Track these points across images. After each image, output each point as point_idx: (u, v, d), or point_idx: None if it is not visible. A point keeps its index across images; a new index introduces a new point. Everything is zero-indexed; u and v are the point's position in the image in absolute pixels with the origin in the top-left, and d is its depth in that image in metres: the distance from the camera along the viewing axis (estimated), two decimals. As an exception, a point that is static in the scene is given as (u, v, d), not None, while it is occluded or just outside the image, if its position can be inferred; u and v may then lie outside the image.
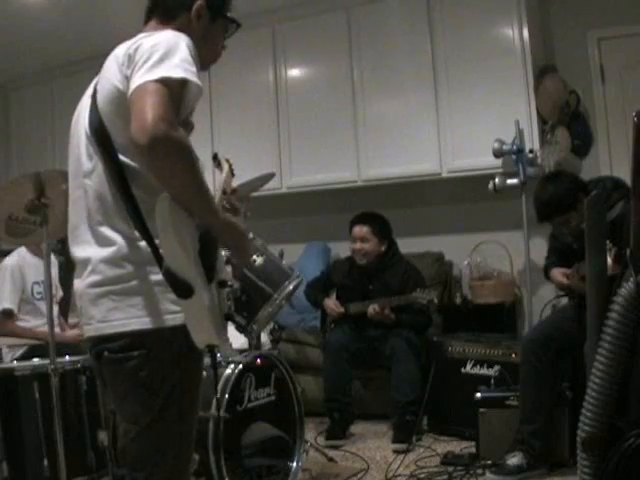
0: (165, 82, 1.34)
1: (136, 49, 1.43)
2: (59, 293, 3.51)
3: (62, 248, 3.39)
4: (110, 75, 1.47)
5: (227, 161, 1.99)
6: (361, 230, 3.87)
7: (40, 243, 2.58)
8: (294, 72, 4.82)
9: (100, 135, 1.47)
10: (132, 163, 1.44)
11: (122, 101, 1.41)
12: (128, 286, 1.43)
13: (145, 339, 1.43)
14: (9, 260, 3.35)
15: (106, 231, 1.46)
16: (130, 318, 1.43)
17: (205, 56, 1.60)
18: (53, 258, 3.45)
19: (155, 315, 1.42)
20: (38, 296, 3.34)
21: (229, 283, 2.96)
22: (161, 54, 1.38)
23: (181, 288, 1.34)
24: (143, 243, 1.42)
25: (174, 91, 1.35)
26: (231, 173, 1.97)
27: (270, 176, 3.38)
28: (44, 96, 5.63)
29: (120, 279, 1.44)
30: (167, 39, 1.43)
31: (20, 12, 4.40)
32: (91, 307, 1.48)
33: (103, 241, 1.46)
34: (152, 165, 1.33)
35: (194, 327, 1.39)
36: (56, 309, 3.37)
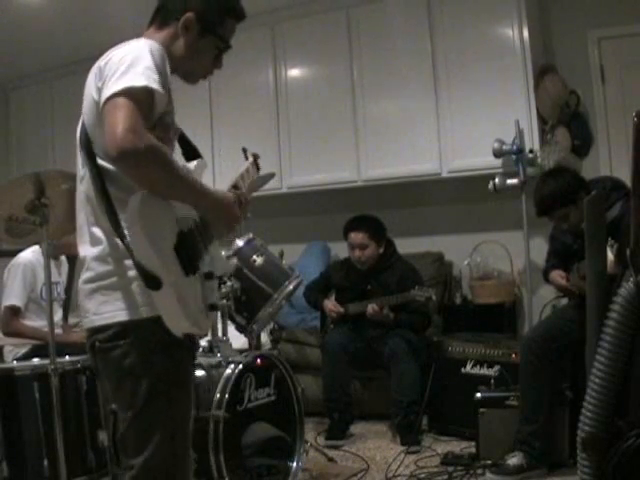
0: (129, 92, 1.42)
1: (106, 62, 1.52)
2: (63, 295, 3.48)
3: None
4: (89, 85, 1.57)
5: (253, 155, 2.01)
6: (357, 236, 3.84)
7: (40, 243, 2.57)
8: (294, 72, 4.82)
9: (85, 142, 1.58)
10: (109, 166, 1.52)
11: (98, 111, 1.50)
12: (114, 281, 1.54)
13: (129, 329, 1.53)
14: (23, 257, 3.34)
15: (96, 231, 1.57)
16: (117, 310, 1.53)
17: (191, 69, 1.69)
18: (64, 259, 3.45)
19: (136, 307, 1.52)
20: (47, 297, 3.33)
21: (229, 282, 2.97)
22: (126, 65, 1.46)
23: (149, 280, 1.44)
24: (120, 242, 1.51)
25: (140, 99, 1.43)
26: (255, 167, 1.98)
27: (270, 176, 3.38)
28: (44, 96, 5.63)
29: (107, 275, 1.54)
30: (132, 50, 1.51)
31: (20, 12, 4.40)
32: (86, 301, 1.59)
33: (94, 240, 1.57)
34: (127, 174, 1.45)
35: (167, 316, 1.49)
36: (61, 312, 3.36)
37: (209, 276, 1.61)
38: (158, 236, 1.47)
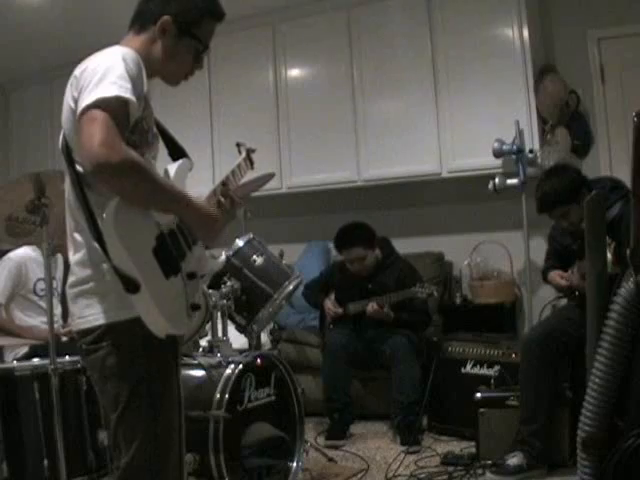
0: (102, 103, 1.44)
1: (82, 72, 1.53)
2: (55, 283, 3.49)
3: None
4: (67, 94, 1.59)
5: (246, 150, 1.98)
6: (353, 252, 3.81)
7: (40, 243, 2.58)
8: (294, 72, 4.82)
9: (65, 148, 1.61)
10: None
11: (75, 119, 1.52)
12: (94, 285, 1.57)
13: (111, 331, 1.55)
14: (14, 254, 3.35)
15: (77, 237, 1.61)
16: (99, 313, 1.56)
17: (172, 72, 1.71)
18: (59, 256, 3.46)
19: (116, 309, 1.54)
20: (41, 293, 3.34)
21: (229, 282, 2.96)
22: (99, 76, 1.47)
23: (128, 284, 1.47)
24: (99, 247, 1.53)
25: (114, 109, 1.44)
26: (246, 164, 1.95)
27: (270, 176, 3.38)
28: (44, 96, 5.62)
29: (88, 279, 1.57)
30: (105, 60, 1.52)
31: (20, 12, 4.41)
32: (72, 305, 1.63)
33: (76, 246, 1.62)
34: (104, 186, 1.48)
35: (146, 318, 1.51)
36: (60, 308, 3.37)
37: (192, 276, 1.63)
38: (135, 241, 1.50)
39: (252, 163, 1.98)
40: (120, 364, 1.55)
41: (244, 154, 1.96)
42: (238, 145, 2.01)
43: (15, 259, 3.33)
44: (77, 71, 1.56)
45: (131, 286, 1.46)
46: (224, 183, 1.80)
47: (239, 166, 1.91)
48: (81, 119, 1.45)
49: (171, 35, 1.66)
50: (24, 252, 3.34)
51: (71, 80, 1.57)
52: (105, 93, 1.44)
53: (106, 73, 1.47)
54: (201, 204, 1.64)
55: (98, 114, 1.43)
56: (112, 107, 1.44)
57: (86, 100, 1.45)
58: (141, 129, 1.58)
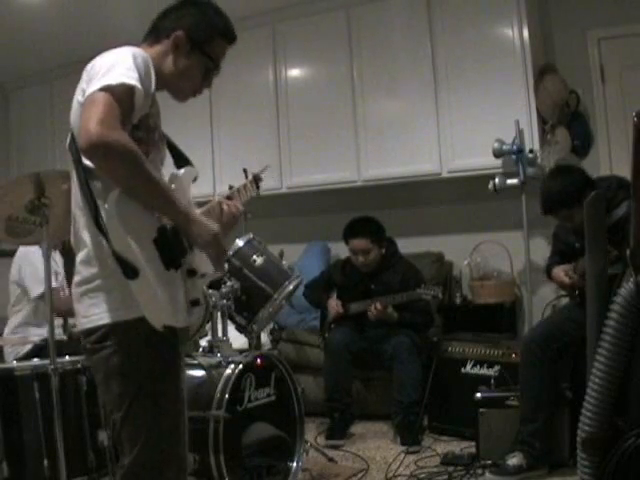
0: (107, 89, 1.46)
1: (92, 67, 1.57)
2: (59, 278, 3.49)
3: (63, 248, 3.43)
4: (77, 91, 1.61)
5: (254, 176, 2.06)
6: (360, 243, 3.82)
7: (40, 243, 2.58)
8: (294, 72, 4.82)
9: (73, 145, 1.60)
10: (92, 166, 1.55)
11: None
12: (99, 283, 1.57)
13: (116, 330, 1.56)
14: (20, 250, 3.37)
15: (83, 235, 1.61)
16: (104, 312, 1.57)
17: (181, 87, 1.75)
18: (57, 252, 3.47)
19: (122, 308, 1.55)
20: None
21: (229, 282, 2.96)
22: (107, 68, 1.51)
23: (126, 268, 1.48)
24: (104, 241, 1.53)
25: (117, 96, 1.46)
26: (252, 187, 2.02)
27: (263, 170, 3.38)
28: (44, 96, 5.63)
29: (93, 278, 1.58)
30: (114, 55, 1.56)
31: (20, 12, 4.40)
32: (77, 304, 1.64)
33: (81, 244, 1.62)
34: (96, 167, 1.49)
35: (146, 307, 1.52)
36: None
37: (192, 273, 1.65)
38: (136, 228, 1.50)
39: (258, 187, 2.05)
40: (124, 363, 1.56)
41: (250, 177, 2.04)
42: (245, 171, 2.07)
43: (19, 256, 3.35)
44: (88, 66, 1.59)
45: (130, 271, 1.47)
46: (229, 197, 1.84)
47: (245, 187, 1.97)
48: (85, 100, 1.48)
49: (183, 50, 1.69)
50: (26, 249, 3.36)
51: (82, 76, 1.59)
52: (110, 81, 1.46)
53: (114, 65, 1.50)
54: (198, 218, 1.61)
55: (100, 96, 1.44)
56: (116, 92, 1.45)
57: (92, 88, 1.47)
58: (147, 126, 1.59)
